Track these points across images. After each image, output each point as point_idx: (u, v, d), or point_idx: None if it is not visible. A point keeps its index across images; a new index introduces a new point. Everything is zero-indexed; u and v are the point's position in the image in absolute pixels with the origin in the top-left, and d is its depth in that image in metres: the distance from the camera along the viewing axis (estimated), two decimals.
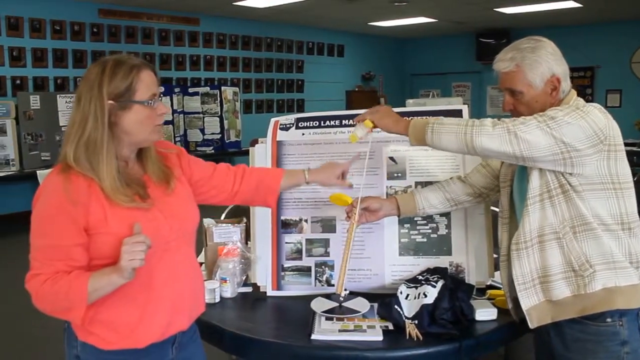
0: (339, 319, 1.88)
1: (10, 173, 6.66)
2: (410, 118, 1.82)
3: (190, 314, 1.67)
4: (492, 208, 2.21)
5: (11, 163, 6.85)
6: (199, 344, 1.78)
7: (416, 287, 1.93)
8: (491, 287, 2.11)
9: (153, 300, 1.54)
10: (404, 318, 1.84)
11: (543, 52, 1.74)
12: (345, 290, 2.02)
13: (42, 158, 6.98)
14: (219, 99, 8.67)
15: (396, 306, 1.87)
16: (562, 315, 1.69)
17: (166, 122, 8.24)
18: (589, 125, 1.60)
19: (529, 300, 1.74)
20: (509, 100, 1.81)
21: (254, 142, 2.31)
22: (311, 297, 2.04)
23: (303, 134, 2.29)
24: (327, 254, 2.20)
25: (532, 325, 1.74)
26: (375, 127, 1.86)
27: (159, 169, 1.64)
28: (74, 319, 1.48)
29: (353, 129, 1.90)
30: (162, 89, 1.55)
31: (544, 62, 1.73)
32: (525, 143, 1.60)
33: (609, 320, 1.65)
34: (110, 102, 1.48)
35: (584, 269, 1.65)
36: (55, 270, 1.43)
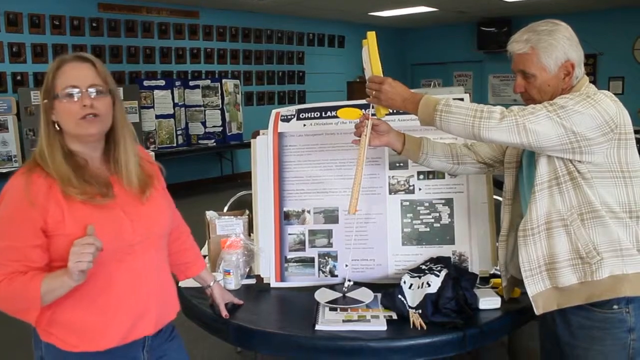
0: (342, 310, 1.89)
1: (12, 169, 6.67)
2: (419, 96, 1.77)
3: (158, 319, 1.63)
4: (495, 197, 2.20)
5: (13, 159, 6.85)
6: (178, 343, 1.76)
7: (419, 277, 1.93)
8: (494, 275, 2.11)
9: (112, 304, 1.52)
10: (407, 308, 1.84)
11: (559, 35, 1.71)
12: (349, 280, 2.02)
13: None
14: (220, 91, 8.65)
15: (400, 296, 1.88)
16: (569, 302, 1.69)
17: (167, 116, 8.26)
18: (599, 114, 1.59)
19: (535, 287, 1.73)
20: (520, 83, 1.78)
21: (255, 134, 2.30)
22: (315, 288, 2.05)
23: (304, 125, 2.28)
24: (330, 244, 2.20)
25: (537, 311, 1.74)
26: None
27: (136, 175, 1.60)
28: (30, 319, 1.47)
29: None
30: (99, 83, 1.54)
31: (559, 46, 1.70)
32: (534, 134, 1.59)
33: (615, 307, 1.65)
34: (45, 101, 1.51)
35: (591, 256, 1.65)
36: (12, 270, 1.42)
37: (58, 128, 1.52)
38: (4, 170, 6.60)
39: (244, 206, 2.54)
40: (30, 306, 1.42)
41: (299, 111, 2.32)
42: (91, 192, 1.48)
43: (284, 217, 2.23)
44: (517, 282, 1.87)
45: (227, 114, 8.71)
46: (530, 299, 1.74)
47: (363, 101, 2.19)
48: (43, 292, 1.40)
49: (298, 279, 2.20)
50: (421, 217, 2.17)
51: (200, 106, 8.69)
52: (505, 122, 1.61)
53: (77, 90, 1.50)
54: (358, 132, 1.93)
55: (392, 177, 2.20)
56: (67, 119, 1.50)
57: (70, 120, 1.50)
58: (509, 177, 1.91)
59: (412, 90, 1.81)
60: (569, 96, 1.65)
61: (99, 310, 1.50)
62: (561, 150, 1.62)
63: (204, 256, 2.37)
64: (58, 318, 1.49)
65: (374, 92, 1.82)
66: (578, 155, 1.63)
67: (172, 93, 8.40)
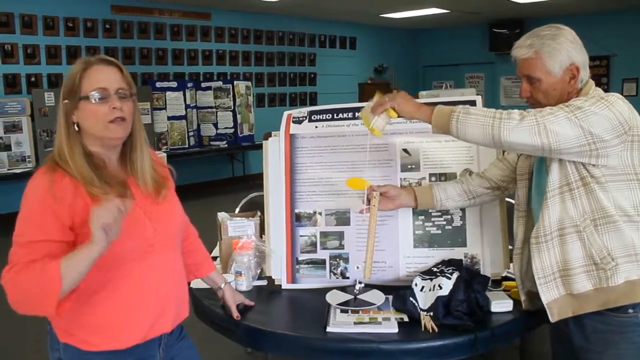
0: (354, 312, 1.89)
1: (26, 169, 6.73)
2: (432, 105, 1.76)
3: (175, 317, 1.65)
4: (507, 199, 2.19)
5: (27, 159, 6.92)
6: (189, 342, 1.78)
7: (431, 279, 1.92)
8: (507, 278, 2.10)
9: (136, 302, 1.53)
10: (419, 310, 1.84)
11: (563, 39, 1.71)
12: (360, 282, 2.02)
13: None
14: (231, 93, 8.69)
15: (411, 298, 1.87)
16: (584, 309, 1.68)
17: (179, 117, 8.30)
18: (614, 115, 1.58)
19: (550, 294, 1.72)
20: (526, 88, 1.78)
21: (267, 136, 2.31)
22: (326, 290, 2.05)
23: (316, 127, 2.28)
24: (341, 246, 2.20)
25: (552, 319, 1.73)
26: (398, 115, 1.80)
27: (151, 177, 1.62)
28: (49, 306, 1.35)
29: (373, 121, 1.82)
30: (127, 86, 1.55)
31: (563, 50, 1.70)
32: (554, 135, 1.57)
33: (630, 311, 1.63)
34: (65, 101, 1.51)
35: (605, 262, 1.63)
36: (31, 259, 1.37)
37: (77, 129, 1.52)
38: (19, 171, 6.67)
39: (256, 207, 2.55)
40: (49, 289, 1.33)
41: (311, 113, 2.32)
42: (110, 191, 1.49)
43: (296, 219, 2.23)
44: (534, 295, 1.83)
45: (238, 116, 8.74)
46: (545, 306, 1.73)
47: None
48: (63, 268, 1.33)
49: (309, 280, 2.20)
50: (433, 219, 2.17)
51: (212, 108, 8.73)
52: (526, 122, 1.59)
53: (106, 92, 1.50)
54: (367, 201, 1.99)
55: (404, 179, 2.19)
56: (94, 121, 1.51)
57: (99, 122, 1.51)
58: (522, 188, 1.90)
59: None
60: (583, 98, 1.64)
61: (123, 309, 1.52)
62: (579, 152, 1.61)
63: (215, 257, 2.38)
64: (80, 318, 1.49)
65: (387, 98, 1.80)
66: (594, 158, 1.62)
67: (184, 94, 8.45)
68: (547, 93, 1.74)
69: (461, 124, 1.66)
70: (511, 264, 2.06)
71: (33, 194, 1.45)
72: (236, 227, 2.32)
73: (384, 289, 2.04)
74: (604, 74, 10.48)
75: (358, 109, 2.29)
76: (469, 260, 2.13)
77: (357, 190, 2.11)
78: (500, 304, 1.89)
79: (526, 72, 1.76)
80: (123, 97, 1.53)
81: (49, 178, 1.45)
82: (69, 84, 1.51)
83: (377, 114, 1.81)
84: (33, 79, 7.36)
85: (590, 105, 1.59)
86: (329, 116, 2.30)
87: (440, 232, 2.16)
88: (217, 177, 9.46)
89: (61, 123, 1.52)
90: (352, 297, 1.98)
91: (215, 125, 8.77)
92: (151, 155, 1.67)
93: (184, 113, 8.42)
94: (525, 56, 1.74)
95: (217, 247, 2.44)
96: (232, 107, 8.71)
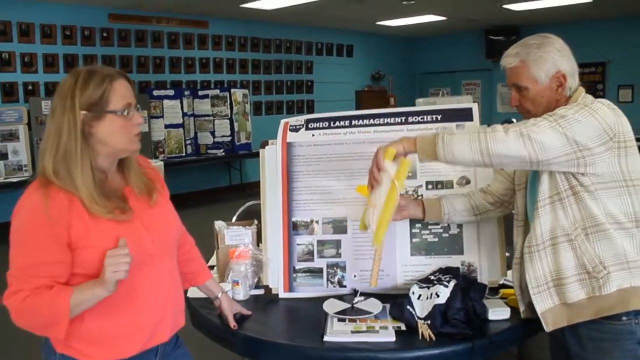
0: (351, 320, 1.88)
1: (23, 178, 6.72)
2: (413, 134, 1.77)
3: (173, 326, 1.66)
4: None
5: (24, 168, 6.91)
6: (185, 351, 1.77)
7: (428, 287, 1.92)
8: (504, 286, 2.10)
9: (135, 313, 1.54)
10: (416, 318, 1.83)
11: (549, 48, 1.74)
12: (357, 291, 2.02)
13: None
14: (228, 101, 8.69)
15: (408, 306, 1.87)
16: (578, 318, 1.68)
17: (176, 126, 8.31)
18: (598, 122, 1.59)
19: (544, 304, 1.73)
20: (515, 96, 1.81)
21: (264, 144, 2.31)
22: (323, 299, 2.04)
23: (313, 135, 2.28)
24: (338, 255, 2.19)
25: (547, 328, 1.73)
26: (396, 157, 1.75)
27: (142, 181, 1.64)
28: (57, 334, 1.44)
29: (383, 182, 1.77)
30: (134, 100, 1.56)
31: (549, 58, 1.73)
32: (539, 144, 1.58)
33: (624, 319, 1.64)
34: (84, 112, 1.47)
35: (597, 271, 1.64)
36: (36, 286, 1.41)
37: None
38: (15, 180, 6.65)
39: (253, 216, 2.54)
40: (58, 321, 1.41)
41: (308, 121, 2.32)
42: (111, 207, 1.49)
43: (293, 227, 2.23)
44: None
45: (235, 124, 8.74)
46: (540, 315, 1.74)
47: (374, 111, 2.28)
48: (73, 305, 1.40)
49: (306, 289, 2.19)
50: (430, 227, 2.16)
51: (209, 116, 8.73)
52: (511, 133, 1.59)
53: (131, 107, 1.53)
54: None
55: None
56: (120, 135, 1.52)
57: (124, 136, 1.53)
58: (520, 198, 1.91)
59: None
60: (567, 106, 1.66)
61: (122, 321, 1.52)
62: (566, 162, 1.61)
63: (213, 266, 2.38)
64: (80, 330, 1.49)
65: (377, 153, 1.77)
66: (582, 167, 1.62)
67: (181, 103, 8.46)
68: (534, 101, 1.76)
69: (447, 144, 1.64)
70: (509, 272, 2.07)
71: (28, 215, 1.44)
72: (233, 235, 2.32)
73: (381, 297, 2.03)
74: (600, 81, 10.51)
75: (355, 117, 2.30)
76: (466, 268, 2.13)
77: (356, 199, 2.12)
78: (498, 312, 1.89)
79: (514, 81, 1.79)
80: (137, 111, 1.57)
81: (43, 195, 1.43)
82: (93, 95, 1.47)
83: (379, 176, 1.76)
84: (30, 87, 7.37)
85: (574, 114, 1.60)
86: (325, 124, 2.30)
87: (437, 240, 2.16)
88: (214, 186, 9.46)
89: (70, 135, 1.46)
90: (350, 305, 1.98)
91: (213, 133, 8.77)
92: (136, 158, 1.67)
93: (181, 121, 8.42)
94: (512, 65, 1.78)
95: (214, 256, 2.43)
96: (230, 115, 8.70)
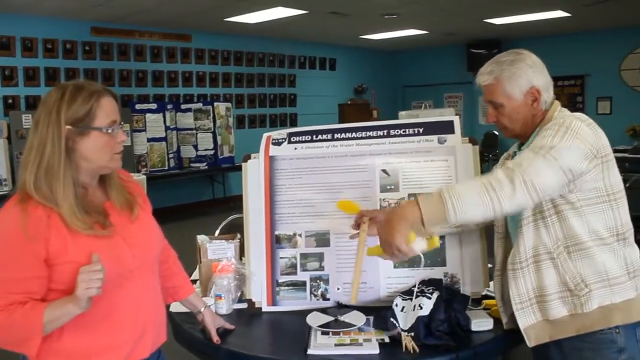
0: (335, 333, 1.88)
1: (2, 193, 6.64)
2: (409, 202, 1.66)
3: (154, 342, 1.64)
4: None
5: (3, 183, 6.82)
6: None
7: (411, 299, 1.93)
8: (487, 297, 2.11)
9: (114, 329, 1.52)
10: (400, 330, 1.83)
11: (521, 64, 1.75)
12: (339, 302, 2.02)
13: None
14: (211, 114, 8.68)
15: (392, 319, 1.87)
16: (560, 334, 1.70)
17: (159, 139, 8.27)
18: (583, 144, 1.60)
19: (527, 320, 1.74)
20: (492, 113, 1.83)
21: (246, 158, 2.31)
22: (307, 312, 2.04)
23: (295, 149, 2.29)
24: (321, 268, 2.19)
25: (530, 344, 1.75)
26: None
27: (123, 196, 1.62)
28: (30, 351, 1.42)
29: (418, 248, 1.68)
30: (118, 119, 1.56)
31: (522, 74, 1.74)
32: (542, 188, 1.56)
33: (605, 328, 1.66)
34: (68, 127, 1.46)
35: (579, 289, 1.66)
36: (10, 302, 1.39)
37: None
38: None
39: (236, 230, 2.53)
40: (31, 336, 1.39)
41: (290, 135, 2.32)
42: (90, 222, 1.48)
43: (276, 241, 2.23)
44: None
45: (218, 137, 8.72)
46: (522, 331, 1.75)
47: (356, 124, 2.28)
48: (46, 322, 1.38)
49: (290, 302, 2.18)
50: None
51: (192, 129, 8.71)
52: (518, 186, 1.54)
53: (116, 125, 1.53)
54: (355, 226, 1.98)
55: (384, 199, 2.20)
56: (104, 152, 1.52)
57: (107, 153, 1.53)
58: None
59: None
60: (549, 134, 1.63)
61: (101, 337, 1.50)
62: (559, 189, 1.62)
63: (195, 280, 2.36)
64: (57, 347, 1.46)
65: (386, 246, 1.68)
66: (573, 188, 1.64)
67: (164, 116, 8.43)
68: (510, 117, 1.78)
69: (459, 210, 1.57)
70: (491, 282, 2.08)
71: (4, 231, 1.42)
72: (216, 249, 2.31)
73: (365, 309, 2.03)
74: (579, 93, 10.66)
75: (338, 131, 2.30)
76: (448, 280, 2.14)
77: (338, 212, 2.13)
78: (481, 323, 1.90)
79: (489, 98, 1.81)
80: (121, 129, 1.57)
81: (22, 210, 1.41)
82: (80, 111, 1.46)
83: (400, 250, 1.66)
84: (10, 100, 7.30)
85: (559, 141, 1.59)
86: (308, 138, 2.31)
87: None
88: (197, 199, 9.42)
89: (53, 150, 1.45)
90: (333, 319, 1.97)
91: (196, 147, 8.74)
92: (118, 173, 1.66)
93: (163, 135, 8.39)
94: (486, 82, 1.80)
95: (197, 270, 2.42)
96: (212, 129, 8.69)
